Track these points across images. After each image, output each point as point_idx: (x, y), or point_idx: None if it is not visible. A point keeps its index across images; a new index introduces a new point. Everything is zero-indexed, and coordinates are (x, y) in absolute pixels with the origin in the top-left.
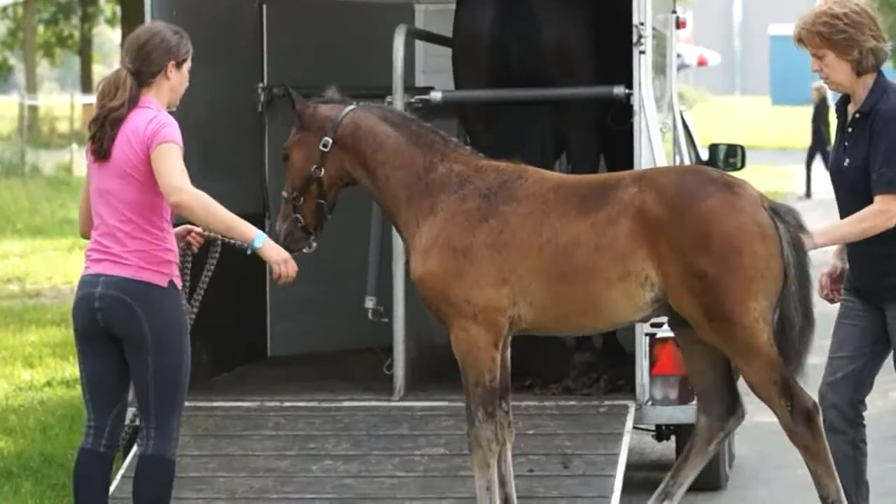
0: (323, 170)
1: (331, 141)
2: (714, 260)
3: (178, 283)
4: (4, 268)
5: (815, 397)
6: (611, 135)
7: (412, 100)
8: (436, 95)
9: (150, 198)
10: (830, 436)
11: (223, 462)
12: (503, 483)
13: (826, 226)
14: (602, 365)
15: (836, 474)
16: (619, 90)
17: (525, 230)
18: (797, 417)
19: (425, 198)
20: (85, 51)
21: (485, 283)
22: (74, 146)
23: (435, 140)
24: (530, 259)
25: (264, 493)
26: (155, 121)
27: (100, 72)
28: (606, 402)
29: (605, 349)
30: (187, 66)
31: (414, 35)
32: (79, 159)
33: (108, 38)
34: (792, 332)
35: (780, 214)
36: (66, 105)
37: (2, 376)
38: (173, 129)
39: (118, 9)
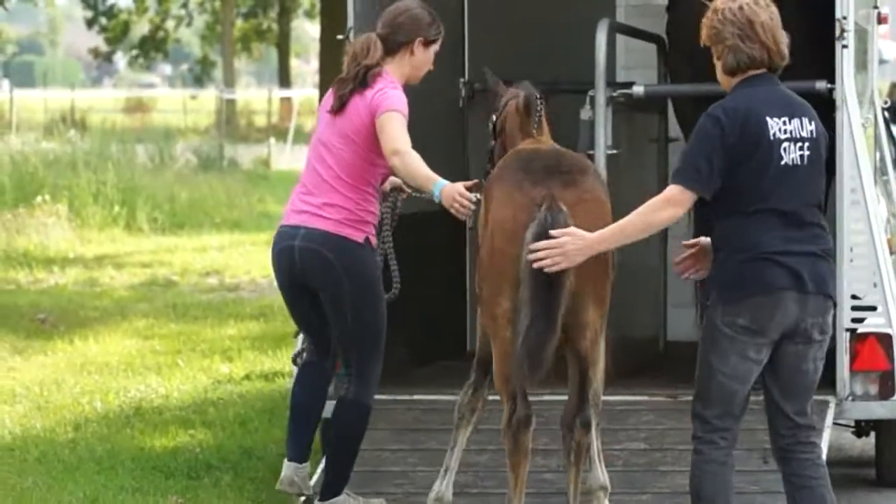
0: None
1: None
2: (483, 248)
3: (374, 241)
4: (203, 261)
5: None
6: None
7: (614, 94)
8: (638, 89)
9: (363, 162)
10: None
11: (423, 456)
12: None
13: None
14: None
15: (521, 496)
16: (821, 85)
17: None
18: (510, 424)
19: None
20: (283, 44)
21: None
22: (272, 140)
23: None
24: None
25: (465, 487)
26: (384, 89)
27: (297, 66)
28: None
29: None
30: (435, 48)
31: (616, 29)
32: (276, 153)
33: (305, 31)
34: (522, 338)
35: (537, 218)
36: (263, 99)
37: (201, 369)
38: (400, 99)
39: (317, 1)
